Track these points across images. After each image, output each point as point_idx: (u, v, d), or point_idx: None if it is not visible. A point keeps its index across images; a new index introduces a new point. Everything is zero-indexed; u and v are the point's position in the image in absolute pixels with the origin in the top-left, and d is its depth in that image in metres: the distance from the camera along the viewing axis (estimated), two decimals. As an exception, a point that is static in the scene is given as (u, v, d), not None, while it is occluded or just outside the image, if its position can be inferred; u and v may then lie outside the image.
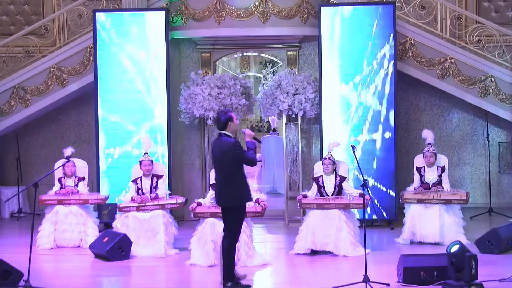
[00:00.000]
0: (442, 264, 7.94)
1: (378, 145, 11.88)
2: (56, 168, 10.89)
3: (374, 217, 11.51)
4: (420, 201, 10.48)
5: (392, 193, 11.79)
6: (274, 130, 16.64)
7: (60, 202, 10.65)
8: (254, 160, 8.02)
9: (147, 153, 10.46)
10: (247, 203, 8.31)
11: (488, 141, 13.10)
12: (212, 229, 9.27)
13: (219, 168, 8.17)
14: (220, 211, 8.41)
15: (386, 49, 11.81)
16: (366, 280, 7.80)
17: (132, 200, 10.22)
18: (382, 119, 11.85)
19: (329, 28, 11.84)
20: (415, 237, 10.48)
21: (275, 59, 16.09)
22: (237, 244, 8.27)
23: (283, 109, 11.98)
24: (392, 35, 11.79)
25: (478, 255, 7.88)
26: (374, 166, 11.85)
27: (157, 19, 12.03)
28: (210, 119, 12.04)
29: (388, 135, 11.85)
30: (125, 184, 11.25)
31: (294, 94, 11.96)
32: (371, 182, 11.79)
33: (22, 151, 13.81)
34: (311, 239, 9.79)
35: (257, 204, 9.41)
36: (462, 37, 13.07)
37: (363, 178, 8.34)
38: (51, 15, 13.74)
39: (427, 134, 10.93)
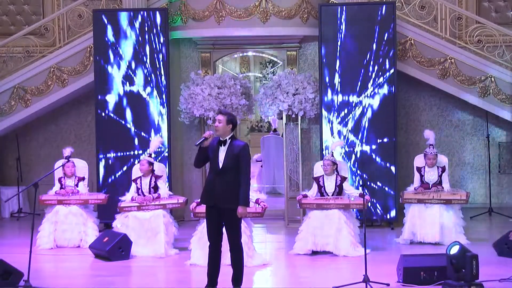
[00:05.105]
0: (442, 264, 7.93)
1: (378, 144, 11.89)
2: (56, 168, 10.89)
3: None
4: (420, 201, 10.48)
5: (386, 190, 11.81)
6: (275, 130, 16.65)
7: (60, 202, 10.64)
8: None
9: (149, 154, 10.45)
10: (209, 206, 7.70)
11: (488, 141, 13.10)
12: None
13: None
14: None
15: (385, 49, 11.81)
16: (366, 280, 7.80)
17: (133, 200, 10.21)
18: (382, 120, 11.85)
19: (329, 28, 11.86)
20: (415, 237, 10.48)
21: (275, 59, 16.08)
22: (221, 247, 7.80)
23: (283, 109, 11.98)
24: (392, 34, 11.80)
25: (483, 256, 7.86)
26: (373, 164, 11.88)
27: (157, 19, 12.02)
28: (210, 119, 12.04)
29: (388, 135, 11.85)
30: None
31: (294, 94, 11.96)
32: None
33: (22, 151, 13.81)
34: (312, 240, 9.78)
35: (257, 204, 9.40)
36: (462, 37, 13.07)
37: (363, 178, 8.34)
38: (51, 15, 13.74)
39: (429, 135, 10.88)
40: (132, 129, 12.08)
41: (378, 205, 11.81)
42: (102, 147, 12.07)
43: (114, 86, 12.09)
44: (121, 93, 12.09)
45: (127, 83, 12.08)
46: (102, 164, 12.06)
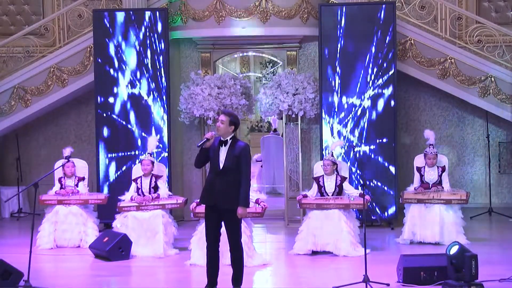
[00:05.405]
0: (442, 264, 7.94)
1: (378, 144, 11.89)
2: (56, 168, 10.88)
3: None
4: (420, 201, 10.48)
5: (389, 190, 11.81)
6: (275, 130, 16.64)
7: (60, 202, 10.64)
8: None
9: (150, 154, 10.47)
10: (209, 205, 7.66)
11: (488, 141, 13.10)
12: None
13: None
14: None
15: (385, 49, 11.81)
16: (366, 280, 7.80)
17: (132, 200, 10.21)
18: (382, 120, 11.85)
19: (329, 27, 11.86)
20: (415, 237, 10.48)
21: (275, 59, 16.07)
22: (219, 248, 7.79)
23: (283, 109, 11.98)
24: (392, 34, 11.79)
25: (483, 256, 7.85)
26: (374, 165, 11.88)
27: (157, 19, 12.02)
28: (210, 119, 12.04)
29: (388, 135, 11.85)
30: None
31: (294, 94, 11.96)
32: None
33: (22, 151, 13.82)
34: (312, 240, 9.78)
35: (257, 204, 9.40)
36: (462, 37, 13.07)
37: (363, 178, 8.34)
38: (51, 15, 13.74)
39: (429, 135, 10.87)
40: (133, 129, 12.07)
41: (377, 205, 11.82)
42: (102, 147, 12.07)
43: (114, 86, 12.09)
44: (121, 92, 12.08)
45: (128, 83, 12.08)
46: (102, 164, 12.06)
